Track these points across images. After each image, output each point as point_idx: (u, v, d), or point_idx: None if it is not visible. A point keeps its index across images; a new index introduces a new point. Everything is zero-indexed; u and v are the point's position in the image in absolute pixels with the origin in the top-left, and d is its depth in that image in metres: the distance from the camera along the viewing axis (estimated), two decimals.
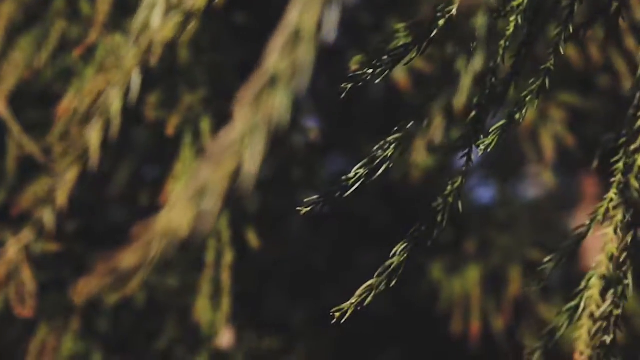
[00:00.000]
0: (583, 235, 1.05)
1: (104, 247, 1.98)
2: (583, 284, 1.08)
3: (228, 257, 1.77)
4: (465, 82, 0.76)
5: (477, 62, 0.78)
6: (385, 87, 2.43)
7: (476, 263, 2.24)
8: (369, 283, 1.05)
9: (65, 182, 0.67)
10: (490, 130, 1.03)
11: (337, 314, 1.05)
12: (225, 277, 1.74)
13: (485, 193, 2.76)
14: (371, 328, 2.32)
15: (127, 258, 0.65)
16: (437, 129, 1.59)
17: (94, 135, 0.68)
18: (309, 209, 1.04)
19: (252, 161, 0.60)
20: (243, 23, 2.12)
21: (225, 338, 2.05)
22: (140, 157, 2.16)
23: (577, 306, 1.07)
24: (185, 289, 2.08)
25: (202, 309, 1.93)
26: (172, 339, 2.01)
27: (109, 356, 1.88)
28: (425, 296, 2.37)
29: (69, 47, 1.87)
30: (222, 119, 1.77)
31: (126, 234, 1.97)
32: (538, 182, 3.07)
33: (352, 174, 1.03)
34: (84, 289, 0.62)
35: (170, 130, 1.64)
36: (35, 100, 1.83)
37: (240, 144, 0.61)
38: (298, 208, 1.03)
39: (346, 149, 2.42)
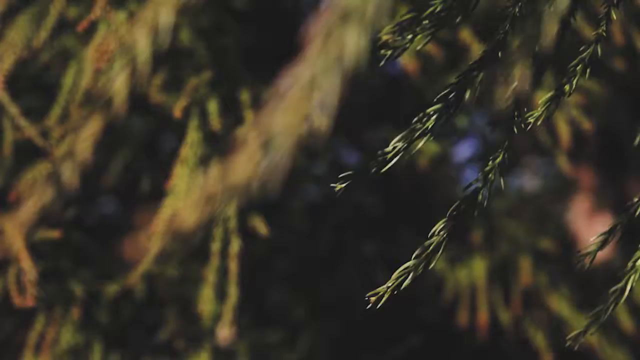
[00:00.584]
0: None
1: (100, 238, 1.89)
2: (629, 264, 1.01)
3: (235, 245, 1.68)
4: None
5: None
6: (384, 74, 2.35)
7: (482, 253, 2.16)
8: (406, 265, 0.97)
9: (87, 134, 0.59)
10: (539, 103, 0.96)
11: (372, 298, 0.97)
12: (233, 267, 1.66)
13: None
14: (374, 320, 2.24)
15: (187, 217, 0.56)
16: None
17: (119, 79, 0.59)
18: (344, 185, 0.96)
19: (326, 105, 0.52)
20: (244, 8, 2.03)
21: (223, 332, 1.97)
22: (137, 146, 2.08)
23: (622, 288, 1.00)
24: (186, 280, 2.00)
25: (206, 299, 1.84)
26: (173, 331, 1.92)
27: (108, 348, 1.79)
28: (429, 288, 2.29)
29: (68, 27, 1.78)
30: (228, 101, 1.69)
31: (122, 225, 1.88)
32: (532, 172, 3.00)
33: (389, 148, 0.95)
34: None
35: (177, 112, 1.56)
36: (32, 84, 1.74)
37: (312, 86, 0.53)
38: (333, 185, 0.95)
39: (345, 136, 2.34)
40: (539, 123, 0.93)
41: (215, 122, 1.58)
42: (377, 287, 2.28)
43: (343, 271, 2.21)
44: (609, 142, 2.58)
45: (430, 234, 0.96)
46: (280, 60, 2.10)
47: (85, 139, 0.59)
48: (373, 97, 2.33)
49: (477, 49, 1.86)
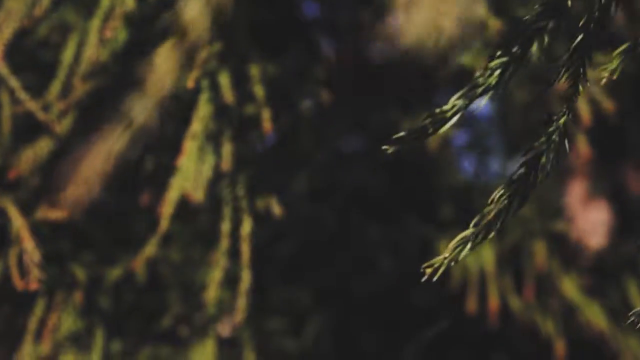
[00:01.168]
0: None
1: (102, 220, 1.79)
2: None
3: (247, 226, 1.59)
4: None
5: None
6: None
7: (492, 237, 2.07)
8: (463, 234, 0.87)
9: (166, 67, 0.49)
10: (614, 54, 0.87)
11: (428, 270, 0.88)
12: (245, 249, 1.56)
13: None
14: (379, 308, 2.15)
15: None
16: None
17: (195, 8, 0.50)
18: (395, 147, 0.87)
19: None
20: None
21: (224, 328, 1.88)
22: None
23: None
24: (189, 264, 1.90)
25: (214, 284, 1.75)
26: (176, 318, 1.82)
27: (110, 335, 1.69)
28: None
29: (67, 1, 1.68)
30: (239, 76, 1.59)
31: (128, 207, 1.78)
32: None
33: (449, 106, 0.86)
34: None
35: (190, 83, 1.46)
36: (29, 61, 1.64)
37: None
38: (384, 147, 0.86)
39: (349, 115, 2.24)
40: (615, 77, 0.85)
41: (228, 94, 1.49)
42: (381, 271, 2.18)
43: (346, 255, 2.12)
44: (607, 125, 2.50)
45: (489, 200, 0.87)
46: (284, 37, 2.00)
47: (164, 73, 0.50)
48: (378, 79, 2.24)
49: (493, 24, 1.77)
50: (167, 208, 1.59)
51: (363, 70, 2.18)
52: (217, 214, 1.82)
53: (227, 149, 1.51)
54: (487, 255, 2.10)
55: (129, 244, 1.79)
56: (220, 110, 1.52)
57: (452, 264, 0.88)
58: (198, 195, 1.53)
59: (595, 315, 2.06)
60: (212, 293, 1.75)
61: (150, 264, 1.84)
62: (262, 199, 1.60)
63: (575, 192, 2.44)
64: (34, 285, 1.40)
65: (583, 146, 1.80)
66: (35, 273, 1.40)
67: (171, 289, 1.86)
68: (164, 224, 1.58)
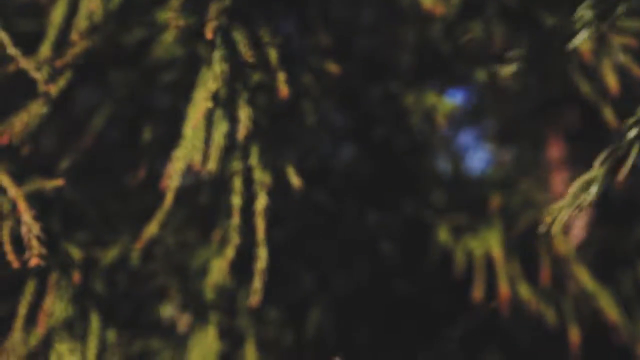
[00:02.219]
0: None
1: (96, 193, 1.62)
2: None
3: (262, 199, 1.42)
4: None
5: None
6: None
7: (500, 220, 1.93)
8: (588, 176, 0.73)
9: None
10: None
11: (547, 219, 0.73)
12: (260, 225, 1.40)
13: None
14: (380, 294, 2.00)
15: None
16: None
17: None
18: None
19: None
20: None
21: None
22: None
23: None
24: (185, 248, 1.73)
25: (221, 268, 1.58)
26: (175, 304, 1.65)
27: (105, 321, 1.51)
28: (435, 263, 2.06)
29: None
30: (250, 32, 1.43)
31: (122, 178, 1.60)
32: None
33: (577, 14, 0.71)
34: None
35: (209, 34, 1.30)
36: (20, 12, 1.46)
37: None
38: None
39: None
40: None
41: (245, 50, 1.33)
42: (381, 256, 2.02)
43: (345, 240, 1.96)
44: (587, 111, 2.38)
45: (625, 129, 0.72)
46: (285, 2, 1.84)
47: None
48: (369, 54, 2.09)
49: None
50: (173, 181, 1.43)
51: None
52: (219, 190, 1.65)
53: (244, 112, 1.35)
54: (494, 240, 1.96)
55: (125, 223, 1.62)
56: (236, 70, 1.36)
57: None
58: (210, 165, 1.37)
59: (607, 304, 1.93)
60: (214, 277, 1.59)
61: (144, 247, 1.67)
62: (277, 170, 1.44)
63: (557, 185, 2.32)
64: (35, 262, 1.22)
65: (610, 117, 1.66)
66: (36, 247, 1.22)
67: (167, 274, 1.69)
68: (170, 197, 1.42)
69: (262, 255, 1.39)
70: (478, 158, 2.48)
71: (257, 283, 1.38)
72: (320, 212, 1.97)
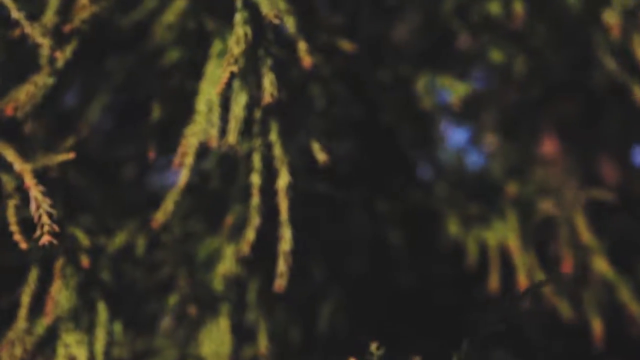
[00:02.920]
0: None
1: (102, 177, 1.50)
2: None
3: (284, 176, 1.31)
4: None
5: None
6: None
7: (517, 208, 1.83)
8: None
9: None
10: None
11: None
12: (283, 205, 1.29)
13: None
14: (392, 285, 1.89)
15: None
16: None
17: None
18: None
19: None
20: None
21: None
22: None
23: None
24: (191, 237, 1.62)
25: (233, 255, 1.47)
26: (183, 294, 1.53)
27: (112, 312, 1.39)
28: (445, 256, 1.95)
29: None
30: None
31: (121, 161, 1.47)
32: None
33: None
34: None
35: None
36: None
37: None
38: None
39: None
40: None
41: (268, 10, 1.21)
42: (391, 247, 1.90)
43: (353, 230, 1.85)
44: (584, 105, 2.29)
45: None
46: None
47: None
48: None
49: None
50: (188, 157, 1.31)
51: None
52: (229, 175, 1.54)
53: (268, 79, 1.23)
54: (510, 229, 1.86)
55: (132, 207, 1.50)
56: (259, 34, 1.25)
57: None
58: (230, 139, 1.25)
59: (627, 295, 1.84)
60: (227, 265, 1.47)
61: (150, 236, 1.56)
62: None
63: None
64: (46, 239, 1.10)
65: None
66: (47, 224, 1.10)
67: (174, 264, 1.57)
68: (185, 175, 1.30)
69: (286, 235, 1.28)
70: (476, 150, 2.38)
71: (282, 266, 1.27)
72: (326, 201, 1.86)
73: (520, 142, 2.29)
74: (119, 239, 1.42)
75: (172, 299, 1.51)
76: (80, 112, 1.66)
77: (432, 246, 1.96)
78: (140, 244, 1.52)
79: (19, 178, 1.22)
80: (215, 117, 1.32)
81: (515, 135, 2.32)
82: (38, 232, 1.11)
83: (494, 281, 1.84)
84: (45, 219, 1.10)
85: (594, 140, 2.30)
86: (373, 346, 1.17)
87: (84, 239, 1.33)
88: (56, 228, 1.11)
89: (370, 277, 1.85)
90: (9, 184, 1.22)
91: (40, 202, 1.11)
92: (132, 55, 1.69)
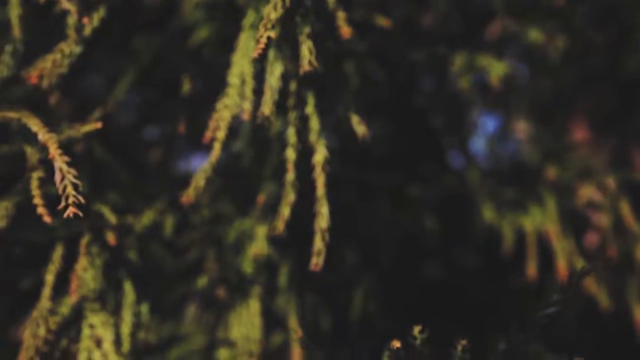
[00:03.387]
0: None
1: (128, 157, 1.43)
2: None
3: (321, 150, 1.23)
4: None
5: None
6: None
7: (549, 195, 1.74)
8: None
9: None
10: None
11: None
12: (320, 180, 1.21)
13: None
14: (425, 271, 1.81)
15: None
16: None
17: None
18: None
19: None
20: None
21: None
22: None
23: None
24: (220, 218, 1.54)
25: (265, 235, 1.39)
26: (212, 277, 1.46)
27: (139, 294, 1.32)
28: (479, 243, 1.87)
29: None
30: None
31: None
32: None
33: None
34: None
35: None
36: None
37: None
38: None
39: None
40: None
41: None
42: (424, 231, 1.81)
43: (386, 215, 1.77)
44: (618, 93, 2.20)
45: None
46: None
47: None
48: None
49: None
50: (220, 132, 1.23)
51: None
52: (261, 152, 1.46)
53: (307, 46, 1.15)
54: (549, 214, 1.77)
55: (159, 187, 1.43)
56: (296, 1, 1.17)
57: None
58: (265, 110, 1.17)
59: None
60: (259, 246, 1.39)
61: (179, 216, 1.48)
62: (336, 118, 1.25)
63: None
64: (71, 211, 1.02)
65: None
66: (72, 196, 1.02)
67: (203, 245, 1.49)
68: (217, 149, 1.22)
69: (323, 211, 1.19)
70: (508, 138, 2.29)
71: (319, 243, 1.19)
72: (358, 184, 1.78)
73: (554, 129, 2.20)
74: (147, 218, 1.35)
75: (201, 281, 1.43)
76: (106, 93, 1.59)
77: (466, 233, 1.87)
78: (168, 224, 1.44)
79: (43, 150, 1.15)
80: (249, 89, 1.24)
81: (548, 122, 2.23)
82: (62, 204, 1.03)
83: (532, 268, 1.75)
84: (70, 190, 1.02)
85: (626, 129, 2.22)
86: (416, 329, 1.08)
87: (110, 216, 1.25)
88: (81, 200, 1.03)
89: (403, 264, 1.77)
90: (33, 156, 1.14)
91: (65, 173, 1.03)
92: (160, 34, 1.62)
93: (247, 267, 1.50)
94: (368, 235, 1.74)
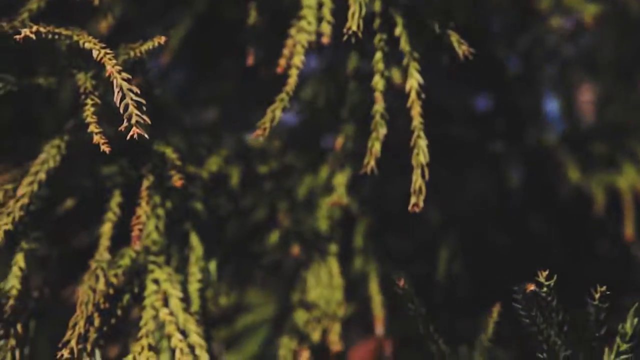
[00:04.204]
0: None
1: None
2: None
3: (416, 76, 1.04)
4: None
5: None
6: None
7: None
8: None
9: None
10: None
11: None
12: (417, 108, 1.01)
13: None
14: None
15: None
16: None
17: None
18: None
19: None
20: None
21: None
22: None
23: None
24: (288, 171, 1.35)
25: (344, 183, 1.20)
26: (284, 232, 1.27)
27: (207, 249, 1.13)
28: (568, 206, 1.67)
29: None
30: None
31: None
32: None
33: None
34: None
35: None
36: None
37: None
38: None
39: None
40: None
41: None
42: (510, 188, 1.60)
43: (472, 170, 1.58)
44: None
45: None
46: None
47: None
48: None
49: None
50: (296, 57, 1.04)
51: None
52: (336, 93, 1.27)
53: None
54: None
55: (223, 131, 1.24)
56: None
57: None
58: (351, 25, 0.98)
59: None
60: (339, 193, 1.20)
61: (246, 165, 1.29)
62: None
63: None
64: (136, 132, 0.84)
65: None
66: (136, 115, 0.83)
67: (274, 198, 1.30)
68: (294, 75, 1.03)
69: (421, 144, 1.00)
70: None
71: (419, 181, 0.99)
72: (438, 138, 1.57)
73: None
74: (214, 164, 1.16)
75: (274, 237, 1.24)
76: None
77: (553, 192, 1.67)
78: (234, 174, 1.25)
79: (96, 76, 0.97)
80: (327, 11, 1.05)
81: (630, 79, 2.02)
82: (125, 125, 0.84)
83: (629, 228, 1.55)
84: (133, 109, 0.84)
85: None
86: (542, 274, 0.89)
87: (174, 158, 1.06)
88: (147, 119, 0.84)
89: (489, 223, 1.57)
90: (86, 81, 0.96)
91: (125, 91, 0.84)
92: None
93: (322, 224, 1.31)
94: (448, 193, 1.55)
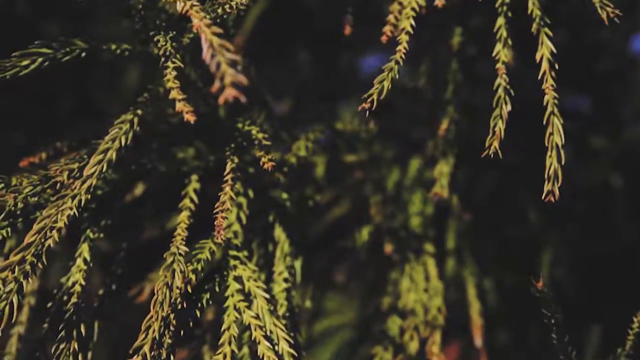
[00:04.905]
0: None
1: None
2: None
3: (547, 44, 0.86)
4: None
5: None
6: None
7: None
8: None
9: None
10: None
11: None
12: (549, 83, 0.83)
13: None
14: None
15: None
16: None
17: None
18: None
19: None
20: None
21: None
22: None
23: None
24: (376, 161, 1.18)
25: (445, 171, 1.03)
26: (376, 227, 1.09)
27: (291, 237, 0.95)
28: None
29: None
30: None
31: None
32: None
33: None
34: None
35: None
36: None
37: None
38: None
39: None
40: None
41: None
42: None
43: None
44: None
45: None
46: None
47: None
48: None
49: None
50: (404, 21, 0.87)
51: None
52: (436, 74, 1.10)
53: None
54: None
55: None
56: None
57: None
58: None
59: None
60: (441, 186, 1.02)
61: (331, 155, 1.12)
62: None
63: None
64: (231, 94, 0.66)
65: None
66: (230, 74, 0.66)
67: (361, 190, 1.12)
68: (404, 40, 0.86)
69: (557, 123, 0.81)
70: None
71: (555, 164, 0.81)
72: None
73: None
74: (301, 148, 0.98)
75: (365, 231, 1.06)
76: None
77: None
78: (320, 162, 1.07)
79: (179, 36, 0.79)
80: None
81: None
82: (217, 85, 0.67)
83: None
84: (225, 67, 0.66)
85: None
86: None
87: (262, 139, 0.89)
88: (243, 80, 0.66)
89: (590, 222, 1.38)
90: (167, 42, 0.79)
91: (216, 47, 0.67)
92: None
93: (414, 221, 1.13)
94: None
